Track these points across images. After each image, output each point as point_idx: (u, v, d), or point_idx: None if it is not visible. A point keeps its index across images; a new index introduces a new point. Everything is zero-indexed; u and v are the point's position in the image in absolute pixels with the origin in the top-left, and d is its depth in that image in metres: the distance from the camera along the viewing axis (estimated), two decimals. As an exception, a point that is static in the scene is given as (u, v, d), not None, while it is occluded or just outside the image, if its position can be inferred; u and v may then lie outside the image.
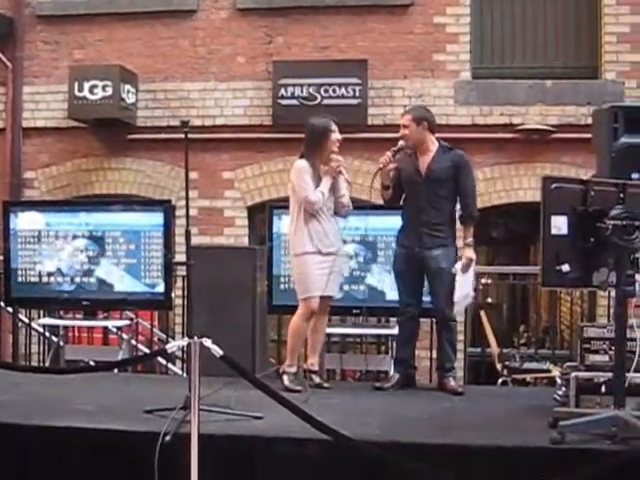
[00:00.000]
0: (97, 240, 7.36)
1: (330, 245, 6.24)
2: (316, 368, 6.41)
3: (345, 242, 6.85)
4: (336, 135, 6.26)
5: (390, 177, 6.40)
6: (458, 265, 6.21)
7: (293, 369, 6.28)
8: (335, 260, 6.25)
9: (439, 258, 6.24)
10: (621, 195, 4.73)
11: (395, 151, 6.36)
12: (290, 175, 6.36)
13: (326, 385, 6.39)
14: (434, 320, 6.70)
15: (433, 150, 6.35)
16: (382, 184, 6.44)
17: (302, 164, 6.23)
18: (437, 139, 6.42)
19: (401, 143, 6.37)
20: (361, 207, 7.05)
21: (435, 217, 6.27)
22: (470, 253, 6.27)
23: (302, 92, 10.27)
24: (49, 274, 7.41)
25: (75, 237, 7.39)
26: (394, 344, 6.93)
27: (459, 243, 6.41)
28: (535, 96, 10.15)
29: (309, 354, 6.43)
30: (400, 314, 6.45)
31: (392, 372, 6.56)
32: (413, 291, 6.36)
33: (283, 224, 7.04)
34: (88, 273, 7.37)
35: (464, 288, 6.25)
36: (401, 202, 6.52)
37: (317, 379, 6.37)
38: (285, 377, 6.22)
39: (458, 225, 6.46)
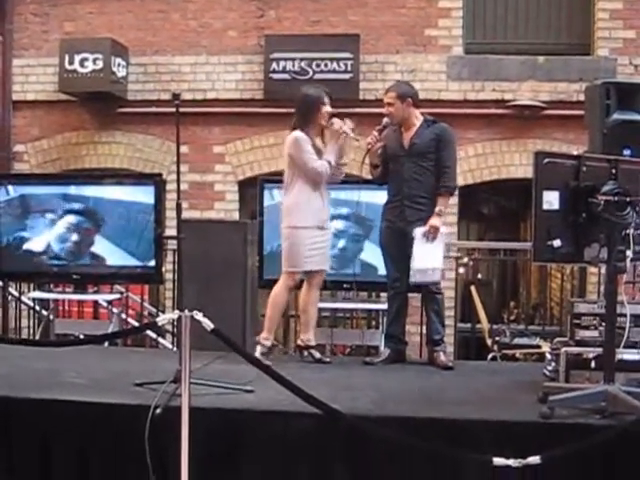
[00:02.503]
0: (87, 214, 7.34)
1: (326, 219, 6.23)
2: (314, 343, 6.36)
3: (334, 218, 6.86)
4: (327, 108, 6.15)
5: (378, 155, 6.39)
6: (418, 230, 6.09)
7: (269, 342, 6.15)
8: (328, 234, 6.26)
9: (421, 233, 6.22)
10: (613, 171, 4.72)
11: (380, 129, 6.33)
12: (287, 147, 6.13)
13: (327, 359, 6.38)
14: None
15: (417, 124, 6.33)
16: (371, 163, 6.43)
17: (301, 135, 6.07)
18: (422, 113, 6.40)
19: (386, 120, 6.34)
20: (354, 182, 7.03)
21: (418, 190, 6.22)
22: (436, 221, 6.12)
23: (294, 66, 10.22)
24: (39, 248, 7.38)
25: (65, 211, 7.37)
26: (385, 319, 6.93)
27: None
28: (527, 72, 10.13)
29: (305, 330, 6.34)
30: (388, 289, 6.44)
31: (382, 347, 6.57)
32: (400, 265, 6.31)
33: (274, 199, 7.02)
34: (78, 247, 7.35)
35: (426, 259, 6.08)
36: (388, 178, 6.51)
37: (317, 354, 6.33)
38: (258, 348, 6.11)
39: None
